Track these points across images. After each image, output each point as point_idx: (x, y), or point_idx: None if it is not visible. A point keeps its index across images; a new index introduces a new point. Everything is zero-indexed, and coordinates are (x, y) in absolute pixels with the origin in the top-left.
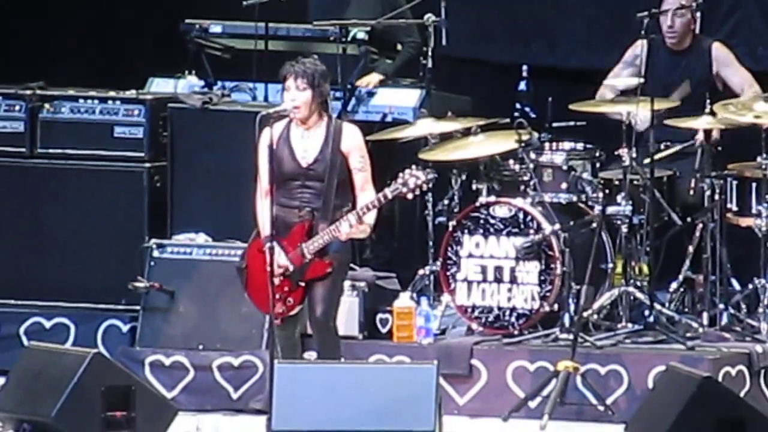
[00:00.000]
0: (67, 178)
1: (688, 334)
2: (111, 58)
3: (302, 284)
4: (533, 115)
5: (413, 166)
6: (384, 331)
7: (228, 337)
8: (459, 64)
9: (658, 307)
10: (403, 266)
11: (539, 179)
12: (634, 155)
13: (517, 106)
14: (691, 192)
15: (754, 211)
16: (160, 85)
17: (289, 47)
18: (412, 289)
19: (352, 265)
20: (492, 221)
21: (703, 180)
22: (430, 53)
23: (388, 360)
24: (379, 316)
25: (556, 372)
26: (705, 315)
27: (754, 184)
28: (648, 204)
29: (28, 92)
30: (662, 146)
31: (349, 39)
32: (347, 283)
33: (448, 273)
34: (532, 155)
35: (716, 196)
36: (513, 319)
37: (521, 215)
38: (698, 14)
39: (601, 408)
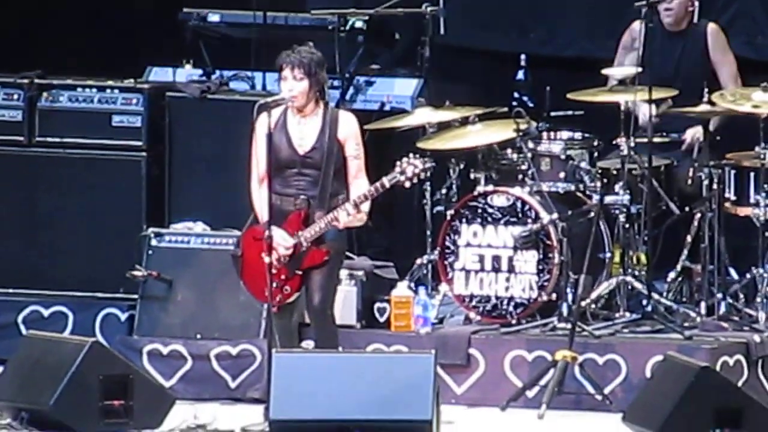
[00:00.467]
0: (65, 167)
1: (686, 324)
2: (109, 46)
3: (299, 272)
4: (531, 105)
5: (411, 155)
6: (382, 320)
7: (226, 326)
8: (457, 53)
9: (655, 296)
10: (401, 255)
11: (537, 168)
12: (632, 144)
13: (515, 95)
14: (689, 181)
15: (752, 200)
16: (158, 74)
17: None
18: (410, 279)
19: (349, 254)
20: (490, 210)
21: (701, 169)
22: (428, 42)
23: (386, 349)
24: (377, 305)
25: (554, 361)
26: (703, 304)
27: (752, 174)
28: (646, 193)
29: (27, 81)
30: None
31: (347, 28)
32: (345, 272)
33: (446, 262)
34: (530, 144)
35: (714, 186)
36: (511, 309)
37: (519, 204)
38: (697, 3)
39: (599, 397)
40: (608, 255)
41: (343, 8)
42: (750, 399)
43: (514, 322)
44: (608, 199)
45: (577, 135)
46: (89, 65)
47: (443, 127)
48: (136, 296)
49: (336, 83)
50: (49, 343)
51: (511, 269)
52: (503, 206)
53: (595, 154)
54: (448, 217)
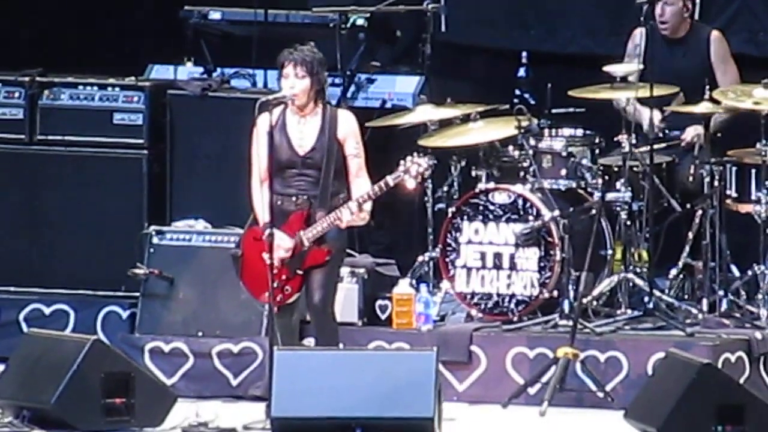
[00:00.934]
0: (66, 165)
1: (688, 321)
2: (110, 44)
3: (300, 272)
4: (533, 102)
5: (415, 153)
6: (383, 317)
7: (227, 324)
8: (458, 51)
9: (657, 293)
10: (402, 253)
11: (539, 165)
12: (633, 141)
13: (517, 92)
14: (691, 178)
15: (753, 197)
16: (159, 72)
17: (288, 34)
18: (412, 276)
19: (351, 251)
20: (491, 208)
21: (703, 166)
22: (429, 39)
23: (388, 346)
24: (379, 302)
25: (555, 358)
26: (704, 301)
27: (753, 171)
28: (647, 190)
29: (28, 79)
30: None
31: (348, 25)
32: (347, 270)
33: (447, 259)
34: (532, 141)
35: (716, 183)
36: (512, 306)
37: (521, 202)
38: (696, 0)
39: (601, 394)
40: (610, 252)
41: (344, 5)
42: (752, 396)
43: (515, 319)
44: (610, 196)
45: (579, 132)
46: (90, 63)
47: (444, 124)
48: (137, 294)
49: (337, 81)
50: (50, 341)
51: (512, 266)
52: (505, 203)
53: (597, 151)
54: (450, 215)
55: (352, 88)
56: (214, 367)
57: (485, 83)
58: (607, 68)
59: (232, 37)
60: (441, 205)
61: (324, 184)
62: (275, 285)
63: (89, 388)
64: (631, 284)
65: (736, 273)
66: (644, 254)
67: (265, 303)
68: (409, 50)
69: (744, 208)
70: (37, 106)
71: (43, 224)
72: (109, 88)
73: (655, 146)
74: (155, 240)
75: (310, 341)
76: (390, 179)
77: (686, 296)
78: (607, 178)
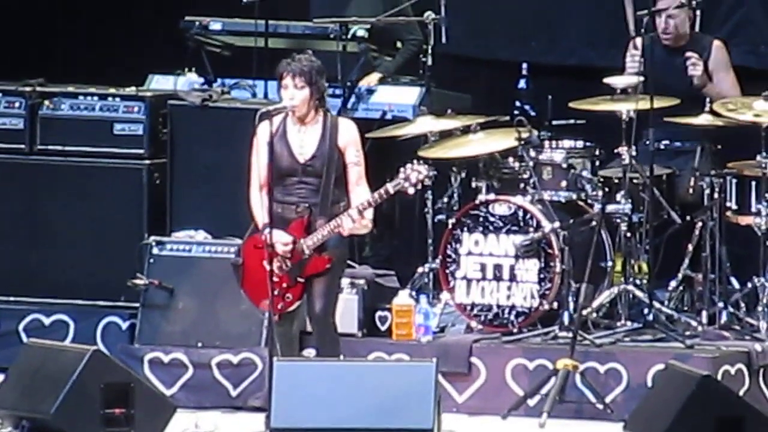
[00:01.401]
0: (66, 175)
1: (688, 333)
2: (111, 54)
3: (301, 280)
4: (533, 113)
5: (415, 161)
6: (383, 328)
7: (227, 335)
8: (459, 62)
9: (657, 305)
10: (402, 264)
11: (539, 177)
12: (633, 153)
13: (517, 103)
14: (691, 190)
15: (753, 209)
16: (159, 82)
17: (289, 44)
18: (412, 287)
19: (351, 262)
20: (491, 219)
21: (703, 178)
22: (429, 51)
23: (387, 358)
24: (379, 313)
25: (555, 370)
26: (704, 313)
27: (753, 183)
28: (647, 202)
29: (28, 89)
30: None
31: (349, 36)
32: (346, 281)
33: (447, 271)
34: (532, 153)
35: (716, 195)
36: (512, 317)
37: (521, 213)
38: (698, 12)
39: (600, 406)
40: (610, 264)
41: (344, 17)
42: (751, 408)
43: (515, 330)
44: (610, 207)
45: (579, 144)
46: (91, 73)
47: (445, 135)
48: (137, 305)
49: (338, 92)
50: (50, 352)
51: (512, 278)
52: (505, 215)
53: (597, 162)
54: (450, 226)
55: (353, 99)
56: (213, 378)
57: (486, 95)
58: (607, 80)
59: (232, 47)
60: (441, 217)
61: (324, 191)
62: (276, 293)
63: (89, 399)
64: (630, 296)
65: (736, 285)
66: (644, 266)
67: (266, 311)
68: (409, 62)
69: (744, 220)
70: (38, 116)
71: (43, 234)
72: (110, 99)
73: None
74: (155, 250)
75: (310, 352)
76: (390, 187)
77: (686, 308)
78: (607, 189)
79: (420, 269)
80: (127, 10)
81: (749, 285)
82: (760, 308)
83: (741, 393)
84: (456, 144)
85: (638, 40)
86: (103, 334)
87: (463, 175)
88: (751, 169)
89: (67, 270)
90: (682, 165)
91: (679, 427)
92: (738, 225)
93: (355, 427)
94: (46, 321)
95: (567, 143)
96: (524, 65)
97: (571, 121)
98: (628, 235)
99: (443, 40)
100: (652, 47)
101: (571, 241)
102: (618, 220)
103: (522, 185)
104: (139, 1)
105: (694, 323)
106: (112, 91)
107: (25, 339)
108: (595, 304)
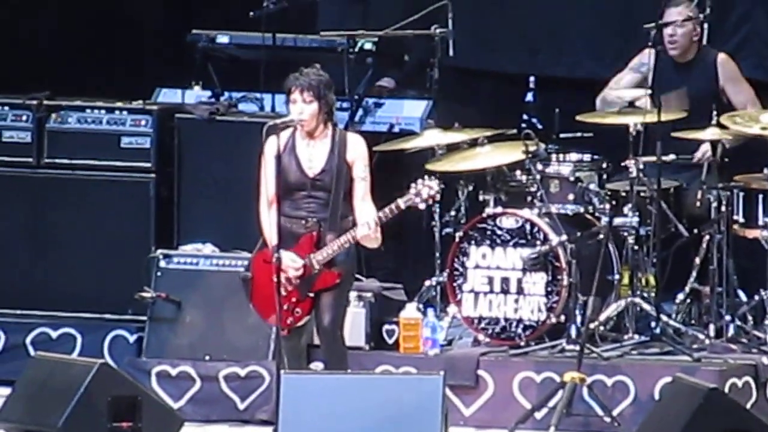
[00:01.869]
0: (73, 188)
1: (695, 346)
2: (118, 68)
3: (311, 295)
4: (540, 126)
5: (426, 177)
6: (390, 341)
7: (234, 348)
8: (466, 75)
9: (664, 318)
10: (409, 277)
11: (546, 190)
12: (641, 166)
13: (524, 116)
14: (698, 203)
15: (760, 222)
16: (167, 96)
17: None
18: (419, 300)
19: (358, 275)
20: (499, 232)
21: (710, 191)
22: (436, 64)
23: (395, 371)
24: (386, 326)
25: (562, 383)
26: (711, 326)
27: (760, 196)
28: (655, 215)
29: (35, 102)
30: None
31: (356, 50)
32: (354, 294)
33: (454, 284)
34: (539, 166)
35: (723, 208)
36: (519, 331)
37: (528, 226)
38: (705, 26)
39: (608, 419)
40: (617, 277)
41: (352, 30)
42: (758, 421)
43: (522, 343)
44: (617, 220)
45: (586, 157)
46: (98, 86)
47: (452, 148)
48: (144, 318)
49: (345, 105)
50: (57, 365)
51: (519, 291)
52: (512, 228)
53: (604, 175)
54: (457, 239)
55: (360, 112)
56: (221, 391)
57: (493, 108)
58: (614, 93)
59: (240, 60)
60: (448, 230)
61: (334, 206)
62: (285, 307)
63: (96, 412)
64: (638, 309)
65: (743, 298)
66: (651, 279)
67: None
68: (416, 75)
69: (751, 233)
70: (45, 130)
71: (51, 248)
72: (117, 112)
73: (666, 165)
74: (162, 264)
75: (317, 365)
76: (401, 202)
77: (693, 321)
78: (614, 202)
79: (427, 282)
80: (134, 23)
81: (756, 298)
82: (767, 321)
83: (748, 406)
84: (463, 157)
85: (650, 52)
86: (111, 348)
87: (471, 188)
88: (759, 182)
89: (74, 283)
90: (689, 178)
91: None
92: (745, 238)
93: None
94: (54, 334)
95: (574, 156)
96: (531, 78)
97: (579, 134)
98: (636, 248)
99: (450, 53)
100: (662, 60)
101: (578, 254)
102: (625, 233)
103: (529, 198)
104: (146, 15)
105: (701, 336)
106: (120, 104)
107: (32, 352)
108: (603, 317)
